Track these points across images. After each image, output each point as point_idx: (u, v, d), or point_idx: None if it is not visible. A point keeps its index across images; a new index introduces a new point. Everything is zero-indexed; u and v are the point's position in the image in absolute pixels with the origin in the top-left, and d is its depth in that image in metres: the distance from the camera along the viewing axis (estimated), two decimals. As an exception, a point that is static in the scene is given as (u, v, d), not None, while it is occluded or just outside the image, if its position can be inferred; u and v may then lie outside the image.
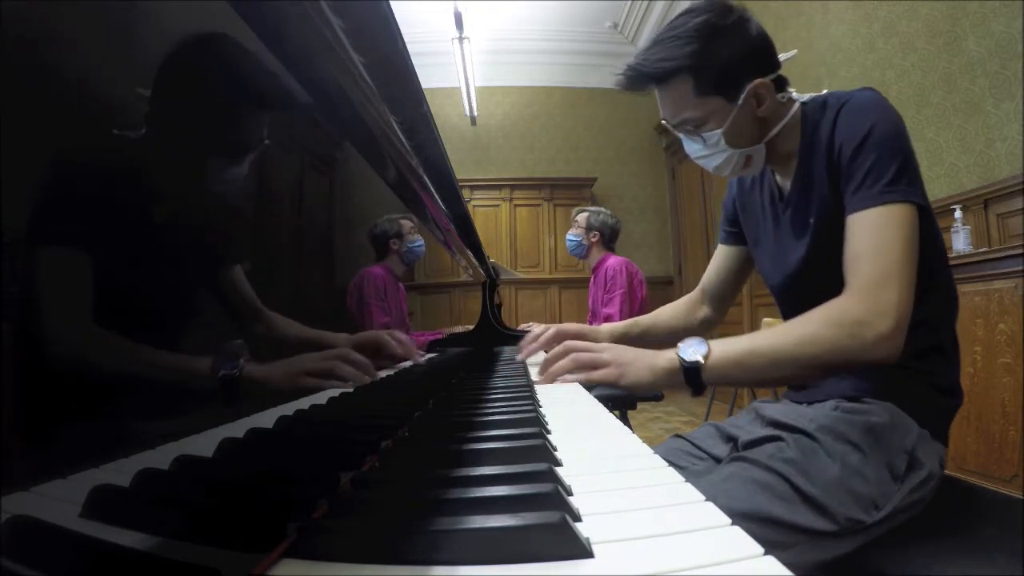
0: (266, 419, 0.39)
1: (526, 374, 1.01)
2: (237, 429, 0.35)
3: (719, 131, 0.83)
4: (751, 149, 0.86)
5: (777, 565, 0.25)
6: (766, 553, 0.26)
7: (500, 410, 0.62)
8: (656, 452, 0.44)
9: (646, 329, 1.17)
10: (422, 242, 0.89)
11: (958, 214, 2.27)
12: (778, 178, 0.94)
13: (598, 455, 0.46)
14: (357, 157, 0.60)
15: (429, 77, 4.97)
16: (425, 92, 0.65)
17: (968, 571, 0.62)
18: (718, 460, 0.90)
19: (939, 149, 2.65)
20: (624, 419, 2.34)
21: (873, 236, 0.73)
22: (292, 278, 0.47)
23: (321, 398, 0.49)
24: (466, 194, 5.23)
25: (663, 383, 0.78)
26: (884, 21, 2.93)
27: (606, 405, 0.72)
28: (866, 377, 0.80)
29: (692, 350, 0.76)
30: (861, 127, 0.76)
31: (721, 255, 1.16)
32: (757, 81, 0.81)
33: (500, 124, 5.79)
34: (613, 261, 2.63)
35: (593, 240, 2.71)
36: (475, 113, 5.26)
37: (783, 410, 0.86)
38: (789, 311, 0.95)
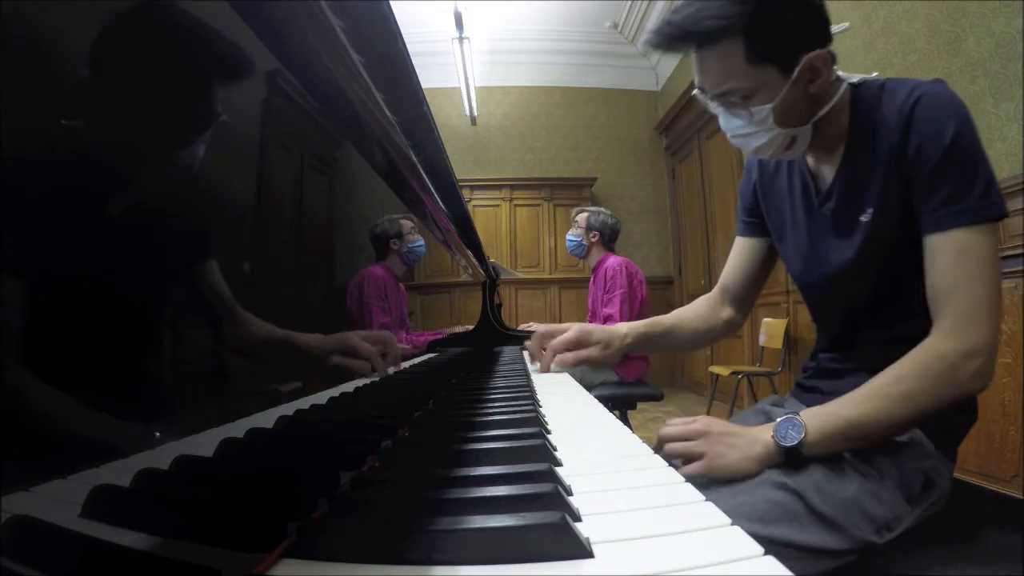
0: (266, 419, 0.39)
1: (526, 374, 1.01)
2: (237, 429, 0.35)
3: (768, 106, 0.73)
4: (798, 129, 0.77)
5: (777, 565, 0.25)
6: (766, 553, 0.26)
7: (500, 410, 0.62)
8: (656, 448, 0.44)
9: (668, 329, 1.06)
10: (422, 242, 0.89)
11: (958, 214, 2.27)
12: (811, 164, 0.85)
13: (598, 455, 0.46)
14: (357, 157, 0.60)
15: (429, 77, 4.97)
16: (425, 92, 0.65)
17: (968, 571, 0.62)
18: None
19: (939, 149, 2.64)
20: (624, 419, 2.34)
21: (962, 263, 0.68)
22: (292, 278, 0.47)
23: (321, 398, 0.49)
24: (466, 194, 5.24)
25: (763, 468, 0.70)
26: (884, 21, 2.93)
27: (606, 405, 0.72)
28: None
29: (790, 434, 0.68)
30: (944, 133, 0.69)
31: (741, 249, 1.04)
32: (814, 52, 0.72)
33: (500, 124, 5.79)
34: (613, 261, 2.63)
35: (593, 240, 2.71)
36: (475, 113, 5.26)
37: None
38: (824, 313, 0.91)
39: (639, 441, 0.50)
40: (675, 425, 0.73)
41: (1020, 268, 1.78)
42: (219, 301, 0.34)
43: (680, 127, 5.16)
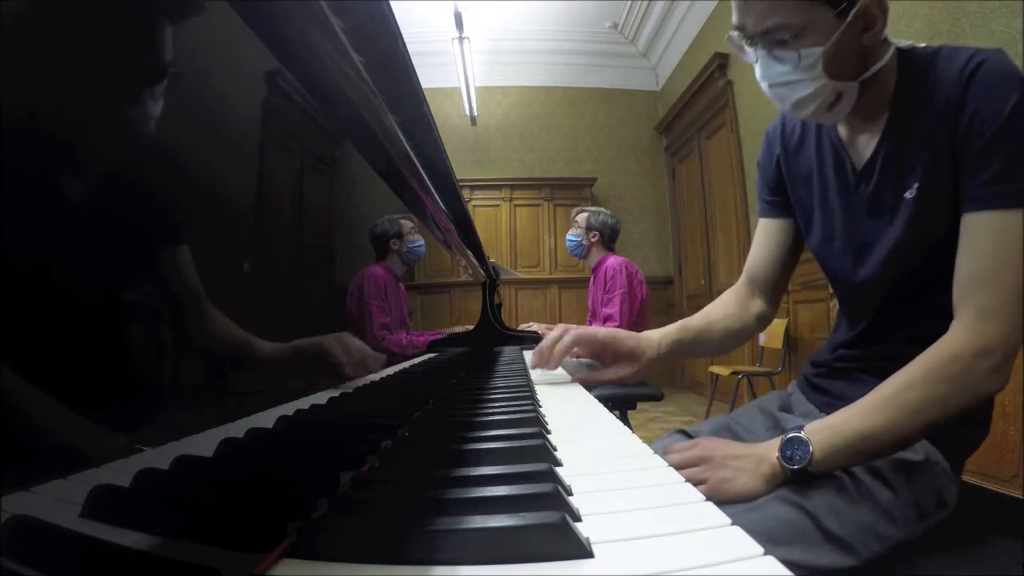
0: (266, 419, 0.39)
1: (526, 374, 1.01)
2: (237, 429, 0.35)
3: (819, 49, 0.66)
4: (845, 85, 0.69)
5: (777, 565, 0.25)
6: (766, 553, 0.26)
7: (500, 410, 0.62)
8: (655, 447, 0.44)
9: (699, 332, 0.96)
10: (422, 242, 0.89)
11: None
12: (844, 135, 0.77)
13: (598, 455, 0.46)
14: (357, 157, 0.60)
15: (429, 77, 4.97)
16: (425, 92, 0.65)
17: (969, 572, 0.62)
18: None
19: (939, 149, 2.65)
20: (624, 419, 2.34)
21: (1001, 247, 0.63)
22: (292, 278, 0.47)
23: (321, 398, 0.49)
24: (466, 194, 5.24)
25: (772, 488, 0.67)
26: (884, 21, 2.93)
27: (606, 405, 0.72)
28: None
29: (796, 455, 0.64)
30: (1004, 104, 0.62)
31: (766, 232, 0.94)
32: None
33: (500, 124, 5.79)
34: (613, 261, 2.63)
35: (593, 240, 2.71)
36: (475, 113, 5.26)
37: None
38: (855, 304, 0.81)
39: (639, 441, 0.50)
40: (675, 453, 0.71)
41: (1020, 268, 1.78)
42: (213, 299, 0.34)
43: (680, 127, 5.17)
